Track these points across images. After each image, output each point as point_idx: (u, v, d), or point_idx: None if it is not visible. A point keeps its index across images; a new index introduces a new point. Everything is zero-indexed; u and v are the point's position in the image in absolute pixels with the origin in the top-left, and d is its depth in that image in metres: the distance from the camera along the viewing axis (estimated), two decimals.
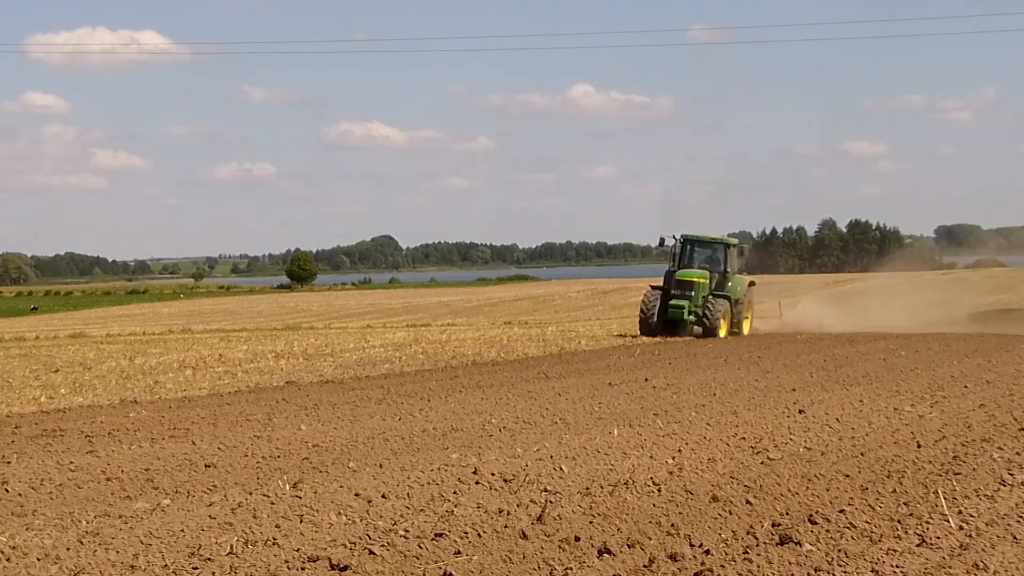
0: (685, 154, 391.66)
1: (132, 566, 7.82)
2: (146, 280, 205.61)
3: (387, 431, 13.91)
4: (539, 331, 38.54)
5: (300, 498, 9.74)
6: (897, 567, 7.57)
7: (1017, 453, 11.64)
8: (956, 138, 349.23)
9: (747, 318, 34.61)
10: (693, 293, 32.95)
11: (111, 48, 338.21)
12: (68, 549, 8.19)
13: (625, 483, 10.19)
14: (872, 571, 7.49)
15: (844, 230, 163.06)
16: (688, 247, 34.43)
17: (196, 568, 7.78)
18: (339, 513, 9.19)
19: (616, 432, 13.30)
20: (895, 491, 9.87)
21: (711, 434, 13.12)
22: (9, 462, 12.07)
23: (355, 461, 11.75)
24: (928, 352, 24.89)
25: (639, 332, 33.51)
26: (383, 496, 9.77)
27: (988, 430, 13.27)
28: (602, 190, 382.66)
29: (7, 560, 7.94)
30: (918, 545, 8.08)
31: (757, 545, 8.16)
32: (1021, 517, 8.88)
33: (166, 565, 7.84)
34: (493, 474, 10.66)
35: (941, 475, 10.56)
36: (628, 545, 8.21)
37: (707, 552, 8.05)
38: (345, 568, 7.66)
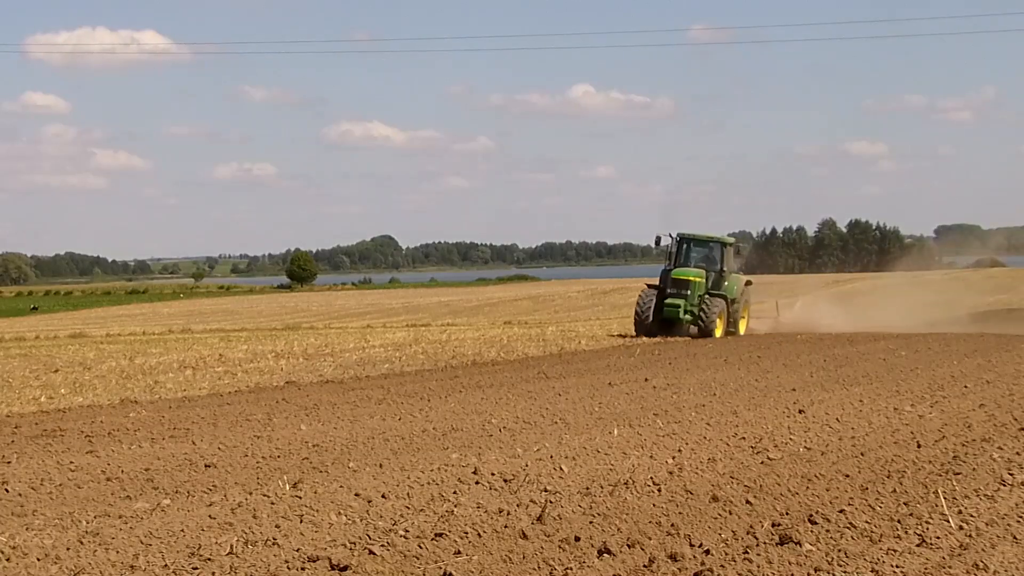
0: (685, 154, 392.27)
1: (132, 566, 7.82)
2: (146, 280, 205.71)
3: (387, 431, 13.91)
4: (539, 331, 38.54)
5: (300, 498, 9.74)
6: (897, 567, 7.57)
7: (1017, 453, 11.64)
8: (956, 138, 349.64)
9: (744, 318, 34.35)
10: (689, 292, 32.72)
11: (111, 48, 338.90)
12: (68, 549, 8.19)
13: (625, 483, 10.19)
14: (872, 571, 7.49)
15: (844, 230, 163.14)
16: (684, 246, 34.19)
17: (196, 568, 7.78)
18: (339, 513, 9.19)
19: (616, 432, 13.30)
20: (895, 491, 9.87)
21: (711, 434, 13.12)
22: (9, 462, 12.07)
23: (355, 461, 11.75)
24: (928, 352, 24.89)
25: (634, 332, 33.28)
26: (383, 496, 9.77)
27: (988, 430, 13.27)
28: (602, 190, 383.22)
29: (7, 560, 7.94)
30: (918, 545, 8.08)
31: (757, 545, 8.16)
32: (1021, 517, 8.88)
33: (166, 565, 7.84)
34: (493, 474, 10.66)
35: (941, 475, 10.56)
36: (628, 545, 8.21)
37: (707, 552, 8.05)
38: (345, 568, 7.66)
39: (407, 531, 8.57)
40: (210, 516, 9.09)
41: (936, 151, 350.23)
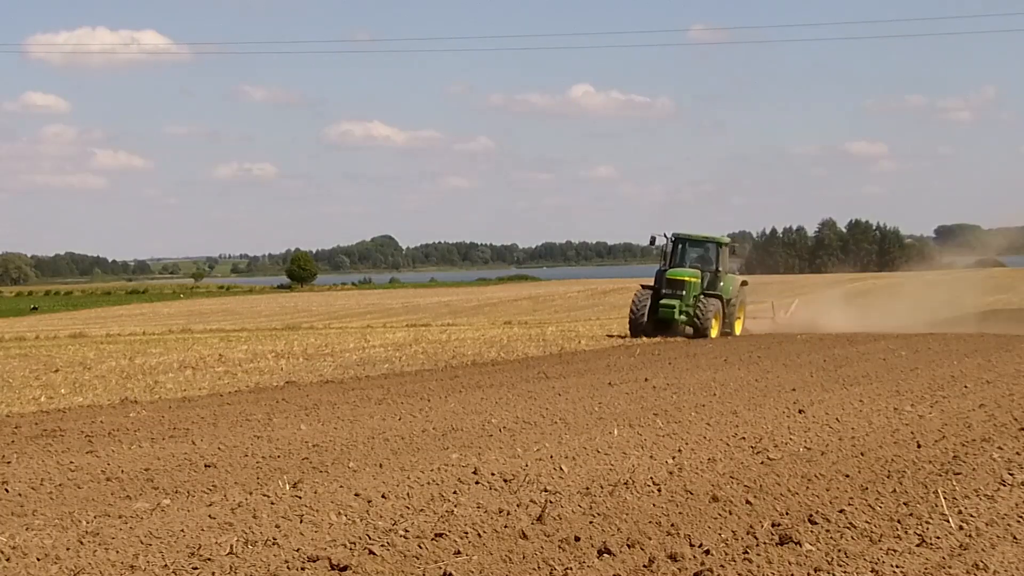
0: (685, 154, 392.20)
1: (132, 566, 7.82)
2: (146, 280, 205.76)
3: (387, 431, 13.91)
4: (539, 331, 38.53)
5: (300, 498, 9.74)
6: (897, 567, 7.57)
7: (1017, 453, 11.64)
8: (956, 138, 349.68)
9: (739, 318, 34.10)
10: (684, 292, 32.45)
11: (111, 48, 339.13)
12: (68, 549, 8.19)
13: (625, 483, 10.19)
14: (872, 571, 7.49)
15: (844, 230, 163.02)
16: (679, 246, 33.88)
17: (196, 568, 7.78)
18: (339, 513, 9.19)
19: (616, 432, 13.30)
20: (895, 491, 9.87)
21: (711, 434, 13.12)
22: (9, 462, 12.07)
23: (355, 461, 11.75)
24: (928, 352, 24.89)
25: (629, 333, 32.98)
26: (383, 496, 9.77)
27: (988, 430, 13.27)
28: (602, 190, 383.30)
29: (7, 560, 7.94)
30: (918, 545, 8.08)
31: (757, 545, 8.16)
32: (1021, 517, 8.88)
33: (166, 565, 7.84)
34: (493, 474, 10.66)
35: (941, 475, 10.56)
36: (628, 545, 8.20)
37: (707, 552, 8.05)
38: (345, 568, 7.66)
39: (407, 531, 8.57)
40: (210, 516, 9.09)
41: (936, 151, 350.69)
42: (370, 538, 8.39)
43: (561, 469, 10.93)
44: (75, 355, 29.43)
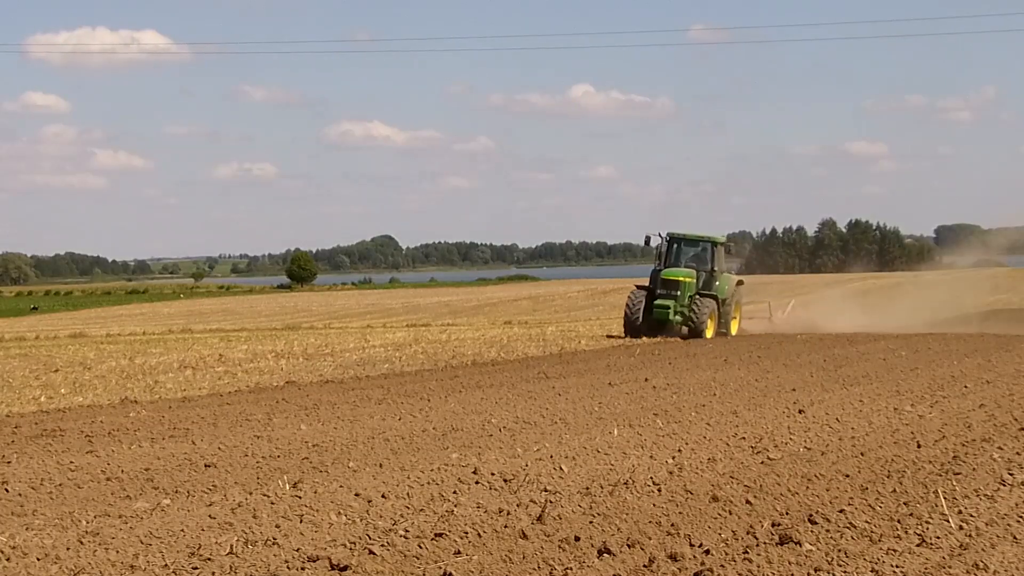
0: (685, 154, 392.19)
1: (132, 566, 7.82)
2: (146, 280, 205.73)
3: (387, 431, 13.91)
4: (539, 331, 38.53)
5: (300, 498, 9.74)
6: (897, 567, 7.57)
7: (1017, 453, 11.64)
8: (956, 138, 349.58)
9: (735, 318, 33.86)
10: (679, 293, 32.23)
11: (111, 48, 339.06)
12: (68, 549, 8.19)
13: (625, 483, 10.19)
14: (872, 571, 7.49)
15: (844, 230, 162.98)
16: (674, 245, 33.69)
17: (196, 568, 7.78)
18: (339, 513, 9.19)
19: (616, 432, 13.30)
20: (895, 491, 9.87)
21: (711, 434, 13.12)
22: (9, 462, 12.07)
23: (355, 461, 11.76)
24: (928, 352, 24.88)
25: (624, 333, 32.75)
26: (383, 496, 9.77)
27: (988, 430, 13.27)
28: (602, 190, 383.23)
29: (7, 560, 7.94)
30: (918, 545, 8.08)
31: (757, 545, 8.16)
32: (1021, 517, 8.88)
33: (166, 565, 7.84)
34: (493, 474, 10.66)
35: (941, 475, 10.56)
36: (628, 545, 8.20)
37: (707, 552, 8.05)
38: (345, 568, 7.66)
39: (407, 531, 8.57)
40: (210, 516, 9.09)
41: (936, 151, 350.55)
42: (370, 538, 8.39)
43: (561, 469, 10.93)
44: (75, 355, 29.43)
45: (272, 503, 9.57)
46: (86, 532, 8.67)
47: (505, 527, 8.68)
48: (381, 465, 11.40)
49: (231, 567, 7.77)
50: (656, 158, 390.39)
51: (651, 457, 11.61)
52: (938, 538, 8.22)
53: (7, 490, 10.55)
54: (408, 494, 9.88)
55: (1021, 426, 13.52)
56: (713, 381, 19.29)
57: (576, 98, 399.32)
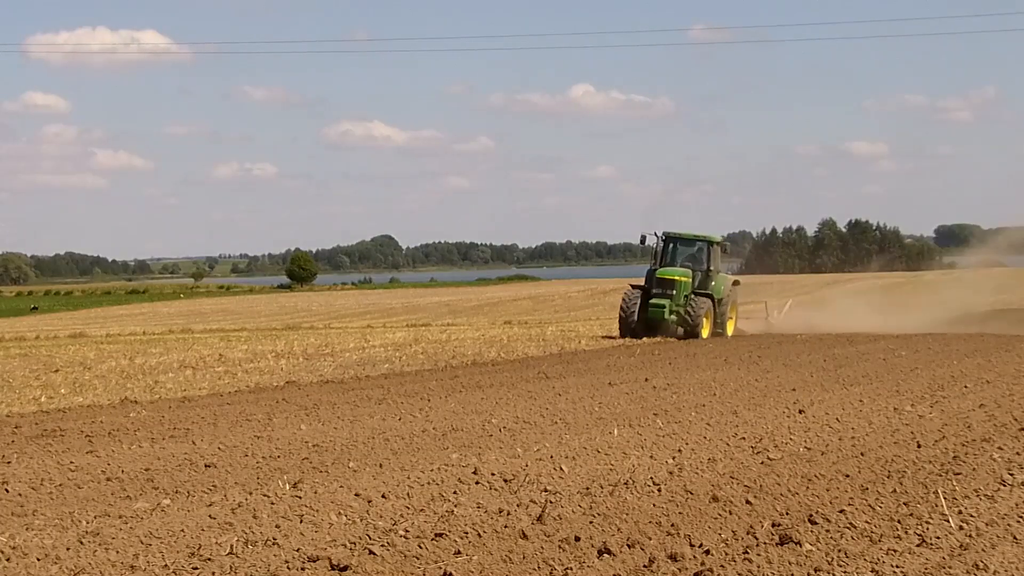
0: (685, 154, 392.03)
1: (132, 566, 7.82)
2: (146, 280, 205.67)
3: (387, 431, 13.91)
4: (539, 331, 38.53)
5: (300, 498, 9.74)
6: (897, 567, 7.57)
7: (1017, 453, 11.64)
8: (956, 138, 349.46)
9: (731, 318, 33.56)
10: (674, 292, 31.97)
11: (111, 48, 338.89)
12: (68, 549, 8.19)
13: (625, 483, 10.19)
14: (872, 571, 7.49)
15: (844, 230, 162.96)
16: (670, 245, 33.44)
17: (196, 568, 7.78)
18: (339, 513, 9.19)
19: (616, 432, 13.30)
20: (895, 491, 9.87)
21: (711, 434, 13.12)
22: (9, 462, 12.07)
23: (355, 461, 11.76)
24: (928, 352, 24.88)
25: (619, 333, 32.53)
26: (383, 496, 9.77)
27: (988, 430, 13.26)
28: (602, 190, 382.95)
29: (7, 560, 7.94)
30: (918, 545, 8.08)
31: (757, 545, 8.16)
32: (1021, 517, 8.88)
33: (166, 565, 7.84)
34: (493, 474, 10.66)
35: (941, 475, 10.56)
36: (628, 545, 8.21)
37: (707, 552, 8.05)
38: (345, 568, 7.66)
39: (407, 531, 8.57)
40: (210, 516, 9.09)
41: (936, 151, 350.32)
42: (370, 538, 8.39)
43: (561, 469, 10.93)
44: (75, 355, 29.43)
45: (272, 503, 9.57)
46: (86, 532, 8.67)
47: (505, 527, 8.68)
48: (381, 465, 11.41)
49: (231, 567, 7.77)
50: (656, 158, 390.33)
51: (651, 457, 11.62)
52: (938, 538, 8.22)
53: (7, 490, 10.56)
54: (408, 494, 9.88)
55: (1021, 426, 13.52)
56: (713, 381, 19.29)
57: (576, 98, 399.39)
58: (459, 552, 8.09)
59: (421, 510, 9.31)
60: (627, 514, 9.10)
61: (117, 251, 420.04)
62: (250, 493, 10.04)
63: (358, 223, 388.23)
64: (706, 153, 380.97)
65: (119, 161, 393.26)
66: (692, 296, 32.29)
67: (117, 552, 8.12)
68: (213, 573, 7.69)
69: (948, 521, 8.68)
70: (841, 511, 9.07)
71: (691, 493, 9.83)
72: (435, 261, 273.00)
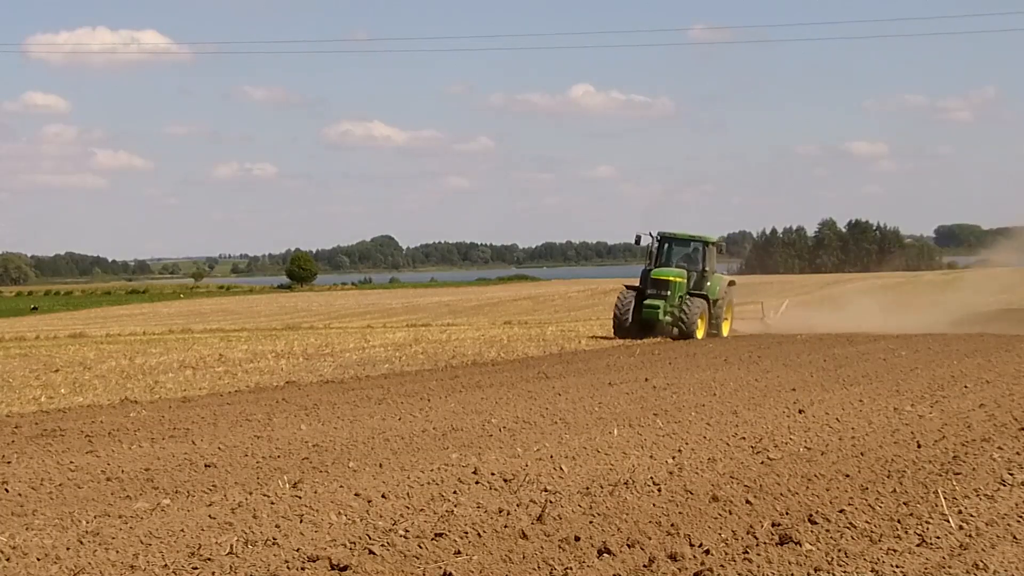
0: (685, 154, 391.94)
1: (132, 566, 7.83)
2: (146, 280, 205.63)
3: (387, 431, 13.92)
4: (539, 331, 38.53)
5: (300, 498, 9.74)
6: (897, 567, 7.57)
7: (1017, 453, 11.64)
8: (956, 138, 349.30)
9: (727, 319, 33.40)
10: (669, 293, 31.80)
11: (111, 48, 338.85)
12: (68, 549, 8.19)
13: (625, 483, 10.19)
14: (872, 571, 7.49)
15: (844, 230, 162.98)
16: (665, 245, 33.27)
17: (196, 568, 7.78)
18: (339, 513, 9.19)
19: (616, 432, 13.31)
20: (895, 491, 9.88)
21: (711, 434, 13.12)
22: (9, 462, 12.07)
23: (355, 461, 11.76)
24: (928, 352, 24.88)
25: (613, 334, 32.37)
26: (383, 496, 9.77)
27: (988, 430, 13.27)
28: (602, 190, 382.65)
29: (7, 560, 7.94)
30: (918, 545, 8.08)
31: (757, 545, 8.16)
32: (1021, 517, 8.88)
33: (166, 565, 7.84)
34: (493, 474, 10.66)
35: (941, 475, 10.56)
36: (628, 545, 8.21)
37: (707, 552, 8.06)
38: (345, 568, 7.66)
39: (407, 531, 8.57)
40: (210, 516, 9.09)
41: (936, 151, 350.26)
42: (370, 538, 8.39)
43: (561, 469, 10.93)
44: (75, 355, 29.43)
45: (272, 503, 9.58)
46: (86, 532, 8.68)
47: (505, 527, 8.68)
48: (381, 465, 11.41)
49: (231, 567, 7.77)
50: (656, 158, 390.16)
51: (651, 457, 11.62)
52: (938, 538, 8.23)
53: (7, 490, 10.56)
54: (408, 494, 9.88)
55: (1021, 426, 13.52)
56: (713, 381, 19.29)
57: (576, 98, 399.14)
58: (459, 552, 8.09)
59: (421, 510, 9.31)
60: (627, 514, 9.10)
61: (117, 251, 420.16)
62: (250, 493, 10.04)
63: (358, 223, 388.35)
64: (706, 153, 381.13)
65: (119, 161, 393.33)
66: (687, 297, 32.10)
67: (117, 552, 8.12)
68: (213, 573, 7.69)
69: (948, 521, 8.69)
70: (841, 511, 9.07)
71: (691, 493, 9.83)
72: (435, 261, 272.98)
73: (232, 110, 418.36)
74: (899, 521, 8.80)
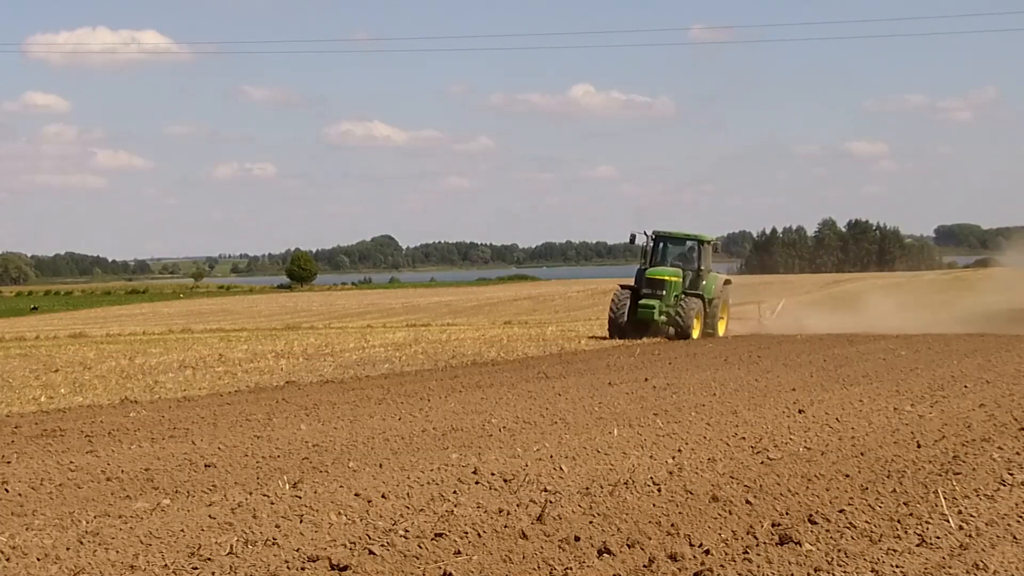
0: (685, 154, 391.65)
1: (132, 566, 7.83)
2: (146, 280, 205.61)
3: (387, 431, 13.92)
4: (539, 331, 38.53)
5: (300, 498, 9.74)
6: (897, 567, 7.57)
7: (1017, 453, 11.64)
8: (956, 138, 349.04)
9: (723, 319, 33.26)
10: (664, 292, 31.62)
11: (111, 48, 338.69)
12: (68, 549, 8.19)
13: (625, 483, 10.19)
14: (872, 571, 7.49)
15: (844, 230, 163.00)
16: (660, 244, 33.11)
17: (196, 568, 7.78)
18: (339, 513, 9.19)
19: (616, 432, 13.31)
20: (895, 491, 9.88)
21: (711, 434, 13.12)
22: (9, 462, 12.07)
23: (355, 461, 11.76)
24: (928, 352, 24.88)
25: (608, 334, 32.20)
26: (383, 496, 9.77)
27: (988, 430, 13.27)
28: (602, 190, 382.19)
29: (7, 560, 7.94)
30: (918, 545, 8.08)
31: (757, 545, 8.16)
32: (1021, 517, 8.88)
33: (166, 565, 7.84)
34: (493, 474, 10.66)
35: (941, 475, 10.56)
36: (628, 545, 8.21)
37: (707, 552, 8.06)
38: (345, 568, 7.66)
39: (407, 531, 8.57)
40: (210, 516, 9.09)
41: (936, 151, 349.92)
42: (370, 538, 8.39)
43: (561, 469, 10.93)
44: (75, 355, 29.43)
45: (272, 503, 9.58)
46: (86, 532, 8.68)
47: (505, 527, 8.69)
48: (381, 465, 11.41)
49: (231, 567, 7.77)
50: (656, 158, 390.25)
51: (651, 457, 11.62)
52: (938, 538, 8.23)
53: (7, 490, 10.56)
54: (408, 494, 9.88)
55: (1021, 426, 13.52)
56: (713, 381, 19.29)
57: (576, 98, 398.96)
58: (459, 552, 8.09)
59: (421, 510, 9.31)
60: (627, 514, 9.11)
61: (117, 251, 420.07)
62: (250, 493, 10.04)
63: (358, 223, 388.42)
64: (706, 153, 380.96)
65: (119, 161, 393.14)
66: (682, 296, 31.98)
67: (117, 552, 8.12)
68: (213, 573, 7.69)
69: (948, 521, 8.69)
70: (841, 511, 9.07)
71: (691, 493, 9.83)
72: (435, 261, 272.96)
73: (232, 110, 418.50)
74: (899, 521, 8.80)
